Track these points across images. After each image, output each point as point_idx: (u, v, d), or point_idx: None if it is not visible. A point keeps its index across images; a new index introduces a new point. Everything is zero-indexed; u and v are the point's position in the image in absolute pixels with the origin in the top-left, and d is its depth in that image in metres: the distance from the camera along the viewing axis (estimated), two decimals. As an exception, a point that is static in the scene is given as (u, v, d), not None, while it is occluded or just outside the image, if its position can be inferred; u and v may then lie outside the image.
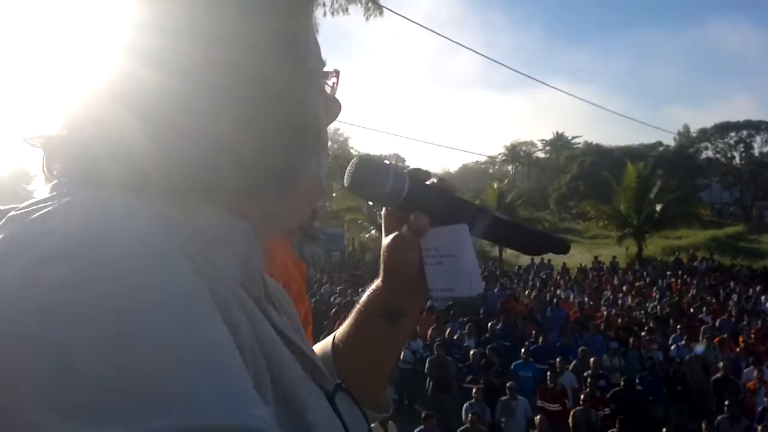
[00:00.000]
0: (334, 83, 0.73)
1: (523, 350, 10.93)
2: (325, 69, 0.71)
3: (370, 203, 0.88)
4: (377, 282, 0.90)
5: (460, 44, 78.60)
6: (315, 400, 0.64)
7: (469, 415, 8.40)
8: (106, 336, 0.43)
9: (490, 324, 13.04)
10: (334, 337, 0.95)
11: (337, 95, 0.74)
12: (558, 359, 10.28)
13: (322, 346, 0.95)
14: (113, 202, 0.55)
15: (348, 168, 0.78)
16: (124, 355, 0.43)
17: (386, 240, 0.85)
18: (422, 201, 0.80)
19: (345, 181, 0.78)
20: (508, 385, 9.36)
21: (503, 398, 9.24)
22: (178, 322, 0.46)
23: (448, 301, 14.19)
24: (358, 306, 0.93)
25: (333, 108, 0.73)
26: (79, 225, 0.52)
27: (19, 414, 0.41)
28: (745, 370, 10.81)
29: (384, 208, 0.85)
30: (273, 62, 0.60)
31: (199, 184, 0.57)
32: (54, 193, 0.57)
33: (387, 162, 0.80)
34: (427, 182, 0.82)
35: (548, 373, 9.89)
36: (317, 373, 0.69)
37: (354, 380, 0.82)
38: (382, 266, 0.87)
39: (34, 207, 0.55)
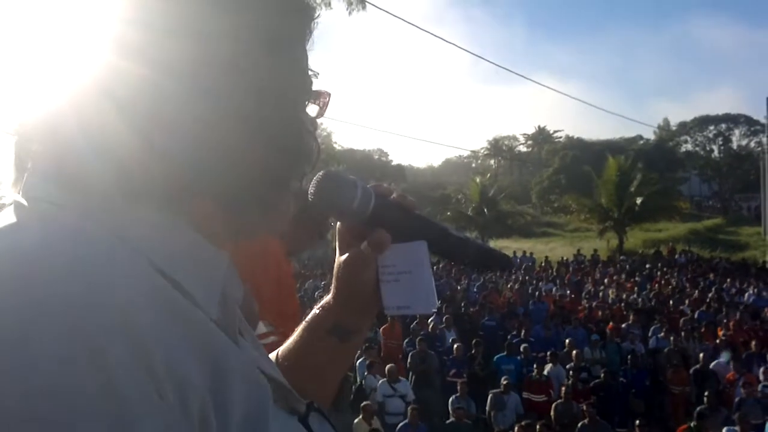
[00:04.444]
0: (324, 104, 0.70)
1: (506, 343, 10.98)
2: (317, 88, 0.68)
3: (331, 219, 0.85)
4: (327, 298, 0.86)
5: (443, 39, 78.51)
6: (286, 425, 0.63)
7: (454, 409, 8.44)
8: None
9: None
10: (277, 354, 0.90)
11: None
12: (543, 353, 10.35)
13: None
14: (80, 221, 0.53)
15: (313, 182, 0.75)
16: None
17: (342, 256, 0.82)
18: (385, 217, 0.78)
19: (310, 196, 0.75)
20: (503, 380, 9.37)
21: (495, 391, 9.26)
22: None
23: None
24: (304, 323, 0.89)
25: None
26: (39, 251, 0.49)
27: None
28: (720, 360, 10.94)
29: (339, 224, 0.82)
30: (268, 63, 0.59)
31: (186, 186, 0.56)
32: (26, 194, 0.56)
33: (353, 177, 0.77)
34: (390, 198, 0.79)
35: (534, 365, 9.95)
36: (289, 396, 0.67)
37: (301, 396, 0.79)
38: (334, 283, 0.84)
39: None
